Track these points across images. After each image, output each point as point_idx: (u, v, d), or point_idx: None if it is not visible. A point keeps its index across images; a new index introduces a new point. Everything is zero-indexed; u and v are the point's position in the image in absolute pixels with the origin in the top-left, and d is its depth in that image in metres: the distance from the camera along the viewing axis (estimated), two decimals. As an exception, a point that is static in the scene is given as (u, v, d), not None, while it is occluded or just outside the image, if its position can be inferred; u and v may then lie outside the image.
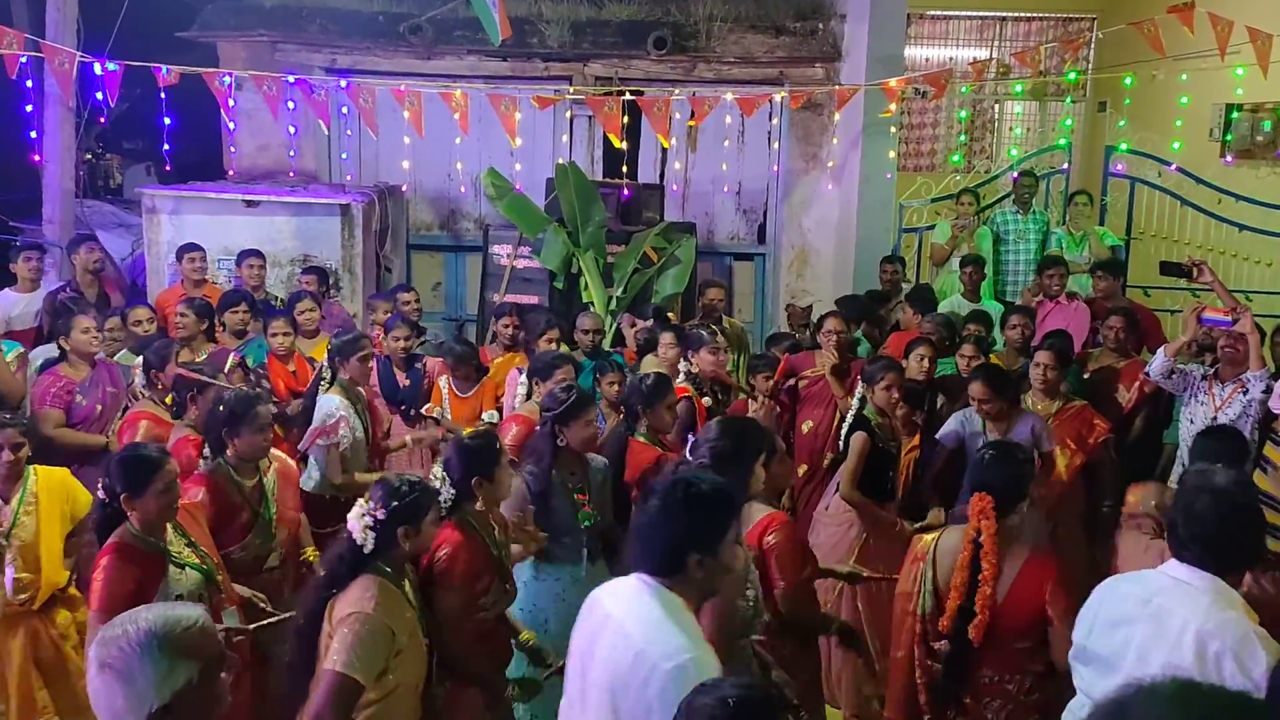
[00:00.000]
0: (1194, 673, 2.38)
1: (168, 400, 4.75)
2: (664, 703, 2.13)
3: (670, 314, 7.23)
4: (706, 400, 5.46)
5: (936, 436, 5.21)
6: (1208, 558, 2.54)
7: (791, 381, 5.97)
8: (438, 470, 3.43)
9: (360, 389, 5.17)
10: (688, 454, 3.20)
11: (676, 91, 8.16)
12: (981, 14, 11.59)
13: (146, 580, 3.28)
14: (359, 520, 2.92)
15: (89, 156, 10.18)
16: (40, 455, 5.23)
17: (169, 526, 3.43)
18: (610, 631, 2.34)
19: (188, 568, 3.41)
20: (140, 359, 5.58)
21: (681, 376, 5.43)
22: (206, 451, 4.06)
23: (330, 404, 4.90)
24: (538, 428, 4.25)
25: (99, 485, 3.43)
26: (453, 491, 3.36)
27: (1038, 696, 3.18)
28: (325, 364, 5.14)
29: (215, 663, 2.04)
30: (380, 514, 2.92)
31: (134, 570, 3.27)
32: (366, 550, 2.91)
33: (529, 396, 5.00)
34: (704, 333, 5.70)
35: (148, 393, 4.95)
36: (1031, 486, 3.36)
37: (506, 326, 6.35)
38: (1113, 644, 2.63)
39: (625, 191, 8.03)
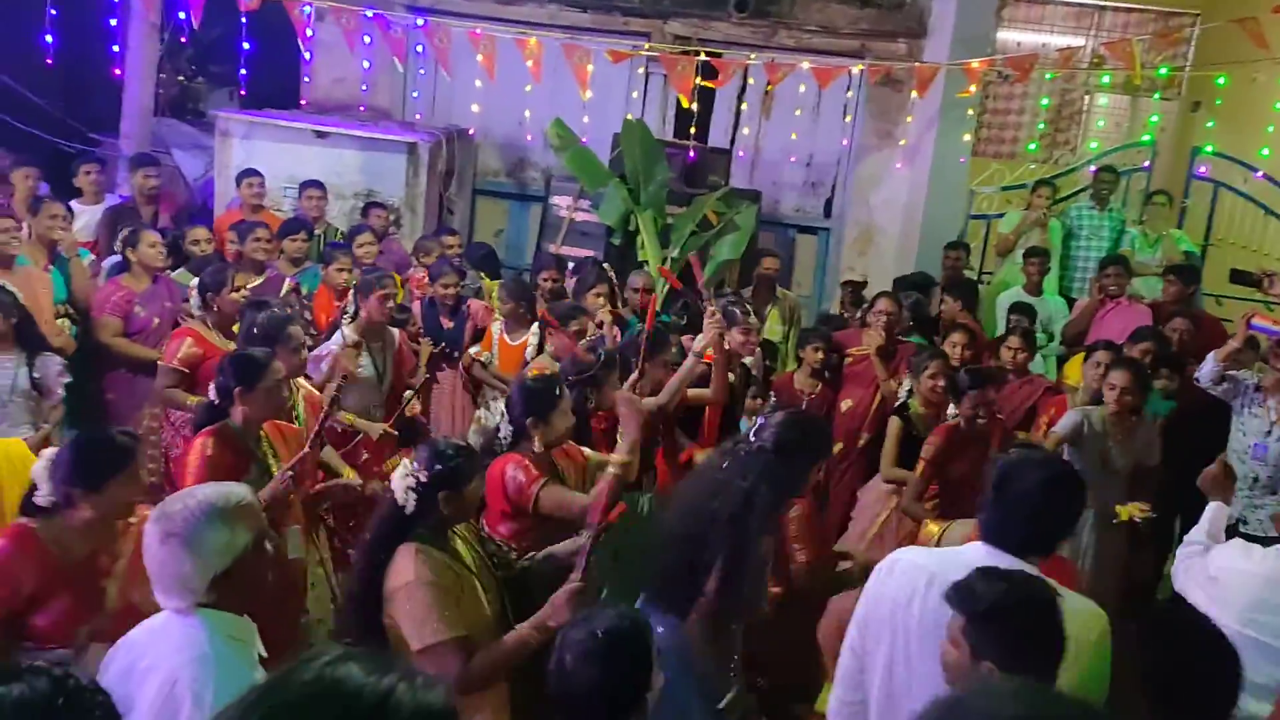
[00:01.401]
0: None
1: (234, 327, 4.85)
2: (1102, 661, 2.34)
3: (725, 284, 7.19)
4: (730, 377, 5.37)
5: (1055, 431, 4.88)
6: None
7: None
8: (482, 414, 3.46)
9: (391, 329, 5.19)
10: (751, 434, 3.15)
11: (754, 56, 8.05)
12: (1080, 1, 11.22)
13: (236, 471, 3.37)
14: (401, 481, 2.82)
15: (180, 79, 10.34)
16: (95, 361, 5.46)
17: (261, 437, 3.59)
18: None
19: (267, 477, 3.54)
20: (195, 279, 5.73)
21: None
22: None
23: (335, 339, 4.92)
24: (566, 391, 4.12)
25: (211, 386, 3.63)
26: (510, 429, 3.43)
27: None
28: (351, 299, 5.17)
29: (263, 534, 2.29)
30: (423, 476, 2.79)
31: (229, 456, 3.45)
32: (408, 511, 2.80)
33: (540, 349, 4.96)
34: (737, 310, 5.60)
35: (199, 313, 5.06)
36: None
37: (546, 279, 6.30)
38: None
39: (691, 154, 7.96)
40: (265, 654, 2.23)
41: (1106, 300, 6.76)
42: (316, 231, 6.88)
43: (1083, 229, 7.97)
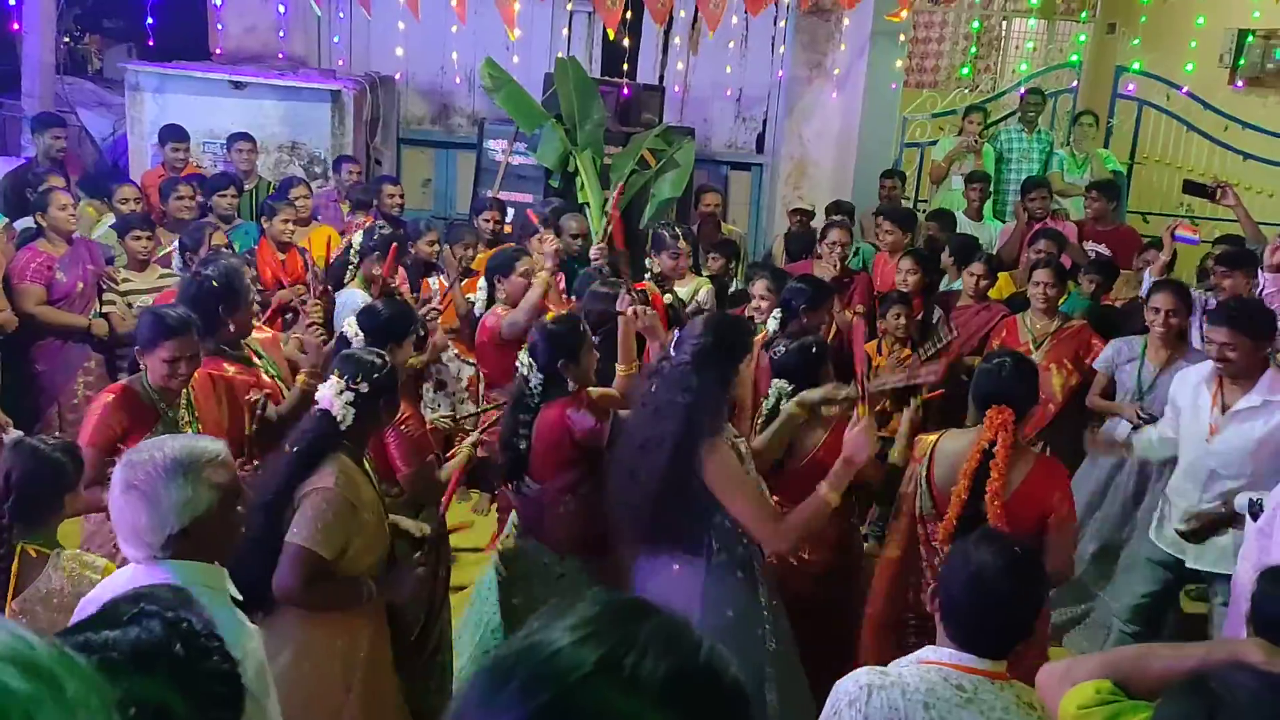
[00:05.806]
0: None
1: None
2: None
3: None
4: (668, 297, 5.36)
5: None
6: None
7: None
8: (524, 357, 3.42)
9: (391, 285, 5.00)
10: (671, 349, 3.08)
11: (681, -12, 7.89)
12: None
13: (133, 429, 3.30)
14: (338, 396, 2.84)
15: (67, 40, 9.79)
16: (21, 332, 5.17)
17: (183, 396, 3.45)
18: None
19: None
20: (118, 237, 5.47)
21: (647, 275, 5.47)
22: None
23: (354, 299, 4.58)
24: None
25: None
26: (541, 377, 3.39)
27: None
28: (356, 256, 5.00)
29: (233, 495, 2.16)
30: (364, 387, 2.85)
31: (125, 416, 3.35)
32: (344, 426, 2.84)
33: (491, 300, 4.80)
34: (665, 234, 5.57)
35: (179, 273, 4.90)
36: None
37: (488, 221, 6.14)
38: None
39: (625, 91, 7.81)
40: (240, 597, 2.15)
41: (1033, 223, 6.83)
42: (248, 187, 6.58)
43: (1013, 153, 8.05)
